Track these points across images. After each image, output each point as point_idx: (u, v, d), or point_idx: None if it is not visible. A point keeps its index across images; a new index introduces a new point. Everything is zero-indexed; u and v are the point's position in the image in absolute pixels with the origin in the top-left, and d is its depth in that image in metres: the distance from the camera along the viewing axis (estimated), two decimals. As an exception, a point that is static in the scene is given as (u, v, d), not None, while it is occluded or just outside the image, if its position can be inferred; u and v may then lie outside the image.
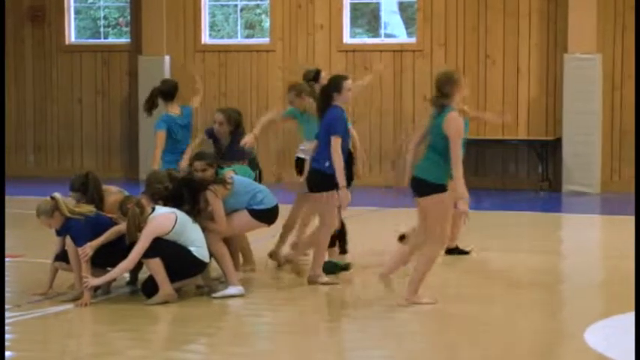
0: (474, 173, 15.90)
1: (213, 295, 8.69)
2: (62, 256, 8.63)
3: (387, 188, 16.01)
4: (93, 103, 18.64)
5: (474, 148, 15.46)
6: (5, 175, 12.74)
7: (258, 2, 18.40)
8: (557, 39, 16.39)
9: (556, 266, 10.62)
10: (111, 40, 18.96)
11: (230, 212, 8.80)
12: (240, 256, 9.59)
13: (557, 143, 16.37)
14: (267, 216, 8.94)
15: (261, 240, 10.28)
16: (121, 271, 8.44)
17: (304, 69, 10.62)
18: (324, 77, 9.95)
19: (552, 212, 14.79)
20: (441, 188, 8.12)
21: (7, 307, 7.93)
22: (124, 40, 18.70)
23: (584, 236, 13.00)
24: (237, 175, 9.08)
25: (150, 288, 8.46)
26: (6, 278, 9.05)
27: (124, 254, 8.34)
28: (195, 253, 8.45)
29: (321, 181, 9.05)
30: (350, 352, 7.36)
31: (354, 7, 17.65)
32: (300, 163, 9.88)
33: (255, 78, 17.69)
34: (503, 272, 10.05)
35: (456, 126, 8.06)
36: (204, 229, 8.62)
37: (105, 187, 8.95)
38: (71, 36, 18.83)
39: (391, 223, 12.14)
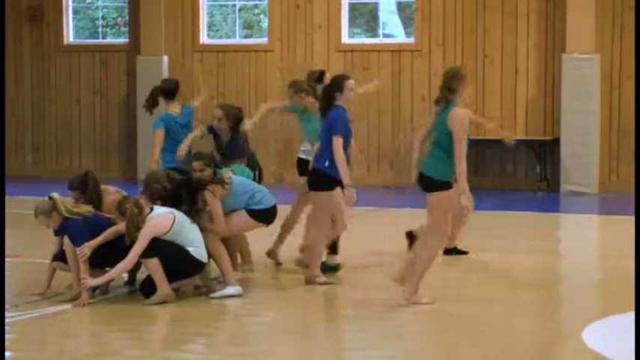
0: (474, 173, 15.89)
1: (212, 295, 8.69)
2: (60, 256, 8.63)
3: (385, 188, 16.04)
4: (91, 103, 18.64)
5: (473, 148, 15.37)
6: (5, 176, 12.73)
7: (257, 2, 18.40)
8: (555, 39, 16.40)
9: (554, 266, 10.62)
10: (109, 40, 18.95)
11: (228, 212, 8.80)
12: (239, 256, 9.59)
13: (555, 143, 16.38)
14: (265, 216, 8.94)
15: (260, 240, 10.28)
16: (120, 271, 8.44)
17: (308, 70, 10.62)
18: (328, 78, 9.94)
19: (550, 212, 14.80)
20: (446, 185, 8.15)
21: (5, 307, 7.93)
22: (123, 40, 18.70)
23: (582, 236, 13.00)
24: (235, 175, 9.08)
25: (148, 288, 8.46)
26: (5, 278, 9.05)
27: (123, 254, 8.34)
28: (193, 253, 8.45)
29: (320, 180, 9.07)
30: (350, 352, 7.36)
31: (353, 7, 17.66)
32: (301, 163, 9.87)
33: (253, 78, 17.69)
34: (502, 272, 10.06)
35: (460, 121, 8.08)
36: (202, 229, 8.62)
37: (103, 187, 8.94)
38: (69, 36, 18.83)
39: (390, 223, 12.15)
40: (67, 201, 8.55)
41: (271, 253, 10.09)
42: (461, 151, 8.05)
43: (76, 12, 19.01)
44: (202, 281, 8.85)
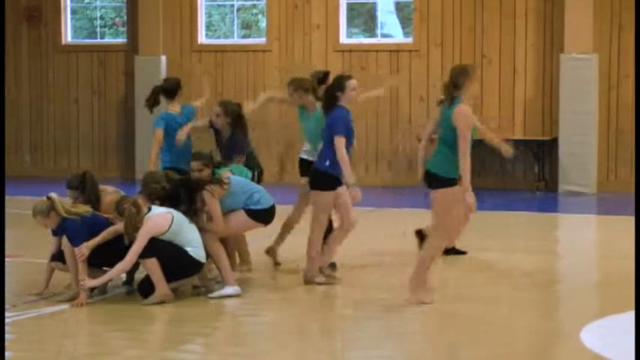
0: (477, 174, 15.88)
1: (210, 295, 8.69)
2: (58, 256, 8.62)
3: (383, 188, 16.04)
4: (89, 103, 18.63)
5: (473, 148, 15.45)
6: (9, 176, 12.72)
7: (255, 2, 18.40)
8: (553, 39, 16.40)
9: (552, 266, 10.62)
10: (107, 40, 18.95)
11: (227, 212, 8.80)
12: (237, 256, 9.59)
13: (553, 143, 16.38)
14: (263, 216, 8.94)
15: (258, 240, 10.27)
16: (119, 272, 8.44)
17: (311, 70, 10.59)
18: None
19: (548, 212, 14.80)
20: (451, 182, 8.15)
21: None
22: (121, 40, 18.69)
23: (580, 236, 13.00)
24: (233, 175, 9.07)
25: (146, 288, 8.45)
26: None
27: (121, 254, 8.33)
28: (191, 254, 8.45)
29: (320, 180, 9.07)
30: (349, 352, 7.36)
31: (351, 7, 17.65)
32: (303, 164, 9.84)
33: (251, 78, 17.68)
34: (501, 272, 10.06)
35: (464, 117, 8.09)
36: (200, 229, 8.62)
37: (101, 187, 8.94)
38: (67, 36, 18.83)
39: (389, 223, 12.14)
40: (65, 201, 8.54)
41: (270, 251, 10.09)
42: (465, 147, 8.05)
43: (74, 12, 19.01)
44: (200, 281, 8.85)
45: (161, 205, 8.58)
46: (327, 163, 9.01)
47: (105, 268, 8.65)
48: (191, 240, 8.48)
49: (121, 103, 18.45)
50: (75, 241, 8.34)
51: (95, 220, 8.49)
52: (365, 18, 18.04)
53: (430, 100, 16.98)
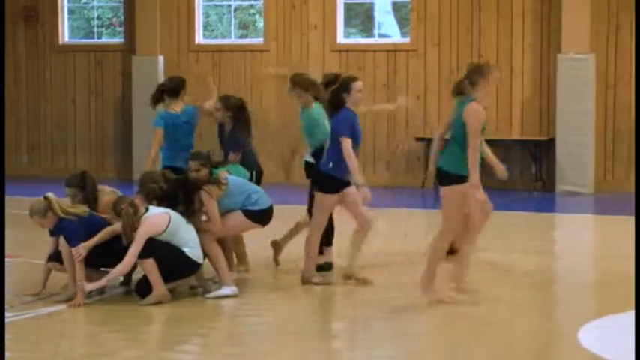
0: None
1: (207, 295, 8.69)
2: (56, 257, 8.62)
3: (385, 189, 16.04)
4: (86, 103, 18.62)
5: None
6: (7, 176, 12.71)
7: (252, 2, 18.39)
8: (550, 39, 16.40)
9: (550, 266, 10.63)
10: (104, 40, 18.94)
11: (224, 213, 8.80)
12: (235, 256, 9.58)
13: (550, 143, 16.39)
14: (261, 217, 8.94)
15: (256, 241, 10.27)
16: (118, 274, 8.43)
17: (321, 73, 10.54)
18: None
19: (546, 212, 14.80)
20: (461, 179, 8.14)
21: (0, 307, 7.92)
22: (118, 40, 18.69)
23: (577, 236, 13.01)
24: (231, 176, 9.07)
25: (143, 288, 8.45)
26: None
27: (118, 254, 8.33)
28: (188, 254, 8.45)
29: (322, 182, 9.06)
30: (349, 352, 7.36)
31: (348, 7, 17.65)
32: (308, 166, 9.80)
33: (249, 78, 17.68)
34: (499, 272, 10.06)
35: (475, 115, 8.10)
36: (198, 230, 8.62)
37: (99, 187, 8.94)
38: (65, 36, 18.81)
39: (388, 223, 12.14)
40: (62, 201, 8.54)
41: (275, 245, 10.08)
42: (474, 144, 8.05)
43: (71, 12, 19.00)
44: (198, 281, 8.85)
45: (159, 205, 8.57)
46: (331, 165, 9.00)
47: (102, 269, 8.66)
48: (188, 240, 8.48)
49: (119, 103, 18.44)
50: (72, 242, 8.33)
51: (92, 220, 8.49)
52: (362, 18, 18.05)
53: (427, 101, 16.99)
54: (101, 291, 8.74)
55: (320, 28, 17.34)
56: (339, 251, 9.93)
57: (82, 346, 7.56)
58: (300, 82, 9.73)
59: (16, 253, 10.27)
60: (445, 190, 8.25)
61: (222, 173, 8.97)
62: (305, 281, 9.24)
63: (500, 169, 9.06)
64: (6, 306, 8.12)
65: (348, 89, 9.06)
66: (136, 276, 8.79)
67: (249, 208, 8.86)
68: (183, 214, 8.55)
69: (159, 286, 8.35)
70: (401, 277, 9.39)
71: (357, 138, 9.06)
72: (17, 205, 12.23)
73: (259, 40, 17.81)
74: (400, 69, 17.09)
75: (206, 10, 18.35)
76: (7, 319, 7.79)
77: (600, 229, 13.65)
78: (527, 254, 11.09)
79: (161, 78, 17.09)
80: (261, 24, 17.96)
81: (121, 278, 9.00)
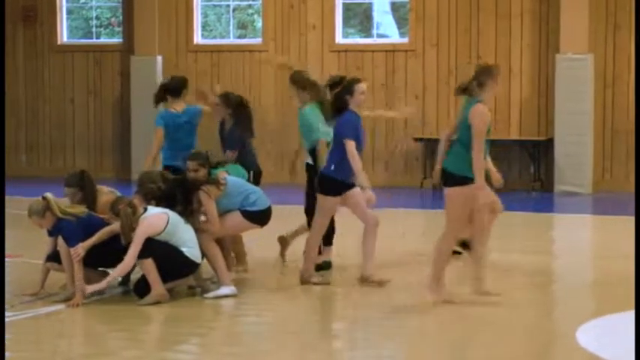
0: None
1: (206, 295, 8.69)
2: (54, 257, 8.61)
3: (382, 189, 16.03)
4: (85, 103, 18.62)
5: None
6: (5, 176, 12.69)
7: (251, 2, 18.39)
8: (549, 39, 16.41)
9: (548, 266, 10.63)
10: (103, 40, 18.94)
11: (223, 213, 8.79)
12: (233, 256, 9.58)
13: (549, 143, 16.39)
14: (259, 217, 8.93)
15: (255, 241, 10.26)
16: (118, 275, 8.42)
17: (320, 73, 10.52)
18: None
19: (544, 212, 14.81)
20: (465, 181, 8.14)
21: None
22: (116, 40, 18.68)
23: (576, 236, 13.02)
24: (230, 176, 9.07)
25: (142, 288, 8.45)
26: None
27: (117, 254, 8.33)
28: (187, 254, 8.45)
29: (324, 184, 9.06)
30: (349, 352, 7.36)
31: (347, 7, 17.66)
32: (309, 168, 9.78)
33: (247, 78, 17.68)
34: (497, 272, 10.03)
35: (480, 115, 8.10)
36: (196, 230, 8.62)
37: (97, 187, 8.94)
38: (63, 36, 18.81)
39: (387, 223, 12.12)
40: (61, 201, 8.54)
41: (283, 241, 10.08)
42: (479, 145, 8.04)
43: (69, 12, 18.99)
44: (196, 281, 8.85)
45: (157, 205, 8.57)
46: (332, 167, 8.99)
47: (101, 269, 8.66)
48: (186, 240, 8.48)
49: (117, 103, 18.44)
50: (70, 242, 8.33)
51: (91, 220, 8.49)
52: (361, 18, 18.05)
53: (426, 101, 17.00)
54: (100, 291, 8.73)
55: (318, 28, 17.34)
56: (337, 251, 9.94)
57: (81, 345, 7.56)
58: (298, 81, 9.71)
59: (16, 253, 10.26)
60: (449, 191, 8.24)
61: (221, 173, 8.97)
62: (304, 281, 9.24)
63: (496, 177, 9.02)
64: (6, 306, 8.13)
65: (351, 91, 9.04)
66: (135, 276, 8.79)
67: (248, 208, 8.86)
68: (181, 214, 8.55)
69: (157, 286, 8.35)
70: (400, 277, 9.38)
71: (361, 140, 9.04)
72: (16, 205, 12.22)
73: (258, 40, 17.81)
74: (399, 69, 17.09)
75: (204, 10, 18.35)
76: (7, 319, 7.78)
77: (599, 229, 13.66)
78: (525, 254, 11.09)
79: (160, 78, 17.10)
80: (259, 24, 17.96)
81: (120, 278, 9.00)
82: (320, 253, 9.57)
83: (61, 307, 8.31)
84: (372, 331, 7.75)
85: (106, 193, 8.91)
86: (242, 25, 18.61)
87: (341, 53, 17.26)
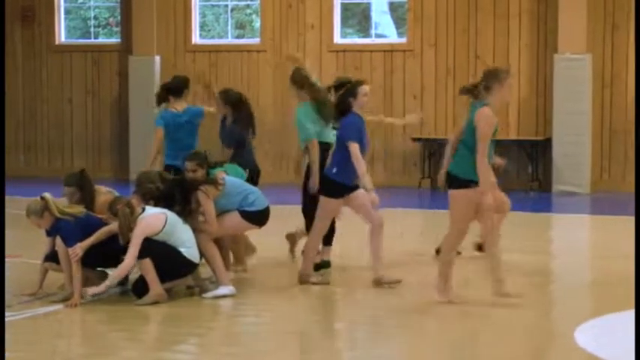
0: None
1: (204, 295, 8.68)
2: (52, 257, 8.61)
3: (383, 189, 16.04)
4: (83, 103, 18.62)
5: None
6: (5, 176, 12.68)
7: (249, 2, 18.40)
8: (547, 39, 16.42)
9: (546, 266, 10.63)
10: (101, 40, 18.94)
11: (221, 213, 8.79)
12: (232, 256, 9.58)
13: (547, 143, 16.40)
14: (258, 218, 8.93)
15: (253, 241, 10.25)
16: (117, 277, 8.41)
17: (335, 76, 10.50)
18: None
19: (542, 212, 14.81)
20: (469, 184, 8.13)
21: (-2, 307, 7.92)
22: (115, 40, 18.69)
23: (574, 236, 13.02)
24: (228, 176, 9.06)
25: (140, 288, 8.45)
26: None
27: (115, 254, 8.33)
28: (185, 254, 8.44)
29: (326, 186, 9.06)
30: (349, 352, 7.36)
31: (345, 7, 17.67)
32: (309, 168, 9.77)
33: (245, 78, 17.69)
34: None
35: (485, 118, 8.10)
36: (194, 230, 8.61)
37: (95, 187, 8.94)
38: (61, 36, 18.81)
39: (385, 223, 12.12)
40: (59, 201, 8.53)
41: (291, 238, 10.08)
42: (484, 148, 8.04)
43: (67, 12, 18.99)
44: (195, 281, 8.84)
45: (155, 205, 8.57)
46: (335, 170, 8.98)
47: (99, 269, 8.66)
48: (185, 240, 8.48)
49: (115, 103, 18.44)
50: (69, 242, 8.33)
51: (89, 220, 8.49)
52: (359, 18, 18.05)
53: (424, 101, 17.00)
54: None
55: (317, 28, 17.35)
56: (338, 252, 9.94)
57: (79, 346, 7.56)
58: (297, 80, 9.69)
59: (15, 254, 10.26)
60: (453, 192, 8.24)
61: (220, 173, 8.96)
62: (303, 281, 9.24)
63: (498, 162, 9.06)
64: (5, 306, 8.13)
65: (355, 93, 9.02)
66: (133, 276, 8.78)
67: (246, 208, 8.86)
68: (179, 214, 8.55)
69: (155, 286, 8.35)
70: (399, 277, 9.38)
71: (364, 143, 9.02)
72: (14, 204, 12.21)
73: (256, 40, 17.82)
74: (397, 69, 17.10)
75: (203, 10, 18.35)
76: (5, 319, 7.78)
77: (597, 228, 13.66)
78: (524, 254, 11.09)
79: (158, 78, 17.12)
80: (257, 24, 17.96)
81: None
82: (318, 252, 9.57)
83: (59, 307, 8.31)
84: (372, 331, 7.75)
85: (104, 193, 8.91)
86: (240, 25, 18.62)
87: (339, 53, 17.27)
